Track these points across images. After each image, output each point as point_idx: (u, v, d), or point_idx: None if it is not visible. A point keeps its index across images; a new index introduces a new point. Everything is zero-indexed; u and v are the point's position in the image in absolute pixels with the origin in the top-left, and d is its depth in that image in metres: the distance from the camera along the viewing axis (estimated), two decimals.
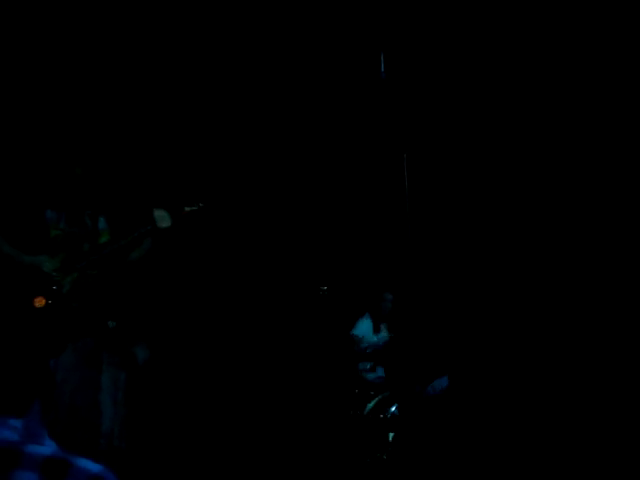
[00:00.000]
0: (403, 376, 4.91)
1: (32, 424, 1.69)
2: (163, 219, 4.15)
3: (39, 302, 3.85)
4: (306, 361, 4.81)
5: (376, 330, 6.01)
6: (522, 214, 5.45)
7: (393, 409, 4.88)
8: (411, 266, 4.77)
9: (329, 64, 5.39)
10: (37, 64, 4.94)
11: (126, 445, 3.06)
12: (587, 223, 5.30)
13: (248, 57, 5.32)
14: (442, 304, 5.32)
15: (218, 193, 4.96)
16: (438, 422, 4.42)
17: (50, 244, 4.08)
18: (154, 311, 4.76)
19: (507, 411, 4.52)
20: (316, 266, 5.60)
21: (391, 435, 4.63)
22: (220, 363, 4.84)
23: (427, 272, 5.00)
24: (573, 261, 5.30)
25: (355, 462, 4.60)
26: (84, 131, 4.77)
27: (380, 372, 5.84)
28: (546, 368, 4.81)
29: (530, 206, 5.46)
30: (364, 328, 6.00)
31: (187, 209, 4.28)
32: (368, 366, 5.90)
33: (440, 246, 5.60)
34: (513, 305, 5.30)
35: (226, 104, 5.42)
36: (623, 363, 4.79)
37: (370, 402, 5.18)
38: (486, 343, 5.22)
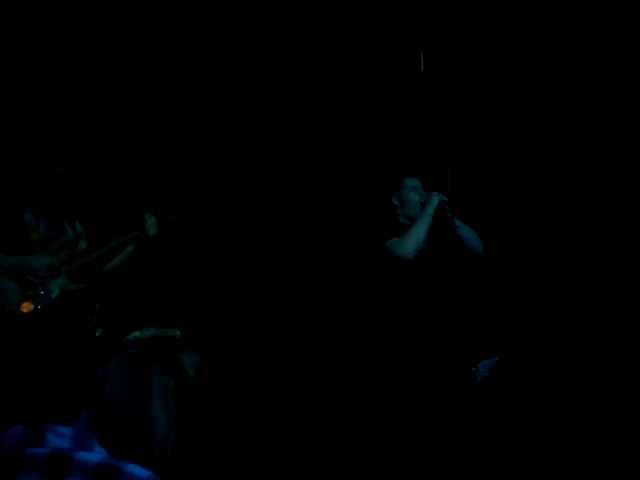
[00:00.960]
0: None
1: (81, 431, 1.70)
2: (152, 226, 4.15)
3: (26, 307, 3.82)
4: (367, 360, 4.77)
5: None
6: (572, 218, 5.36)
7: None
8: (455, 269, 4.71)
9: (368, 63, 5.35)
10: (16, 58, 4.84)
11: (180, 453, 3.07)
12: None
13: (277, 51, 5.25)
14: (492, 303, 5.25)
15: (217, 197, 4.93)
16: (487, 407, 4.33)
17: (32, 248, 4.01)
18: (191, 317, 4.74)
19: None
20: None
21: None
22: (272, 364, 4.82)
23: (471, 275, 4.93)
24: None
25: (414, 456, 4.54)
26: (64, 129, 4.68)
27: None
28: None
29: (581, 206, 5.37)
30: None
31: (171, 217, 4.27)
32: None
33: (485, 249, 5.52)
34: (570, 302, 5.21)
35: (234, 103, 5.34)
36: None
37: None
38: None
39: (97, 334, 3.86)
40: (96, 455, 1.66)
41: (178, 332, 4.20)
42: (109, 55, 5.04)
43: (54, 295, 3.96)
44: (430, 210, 4.37)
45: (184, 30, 5.10)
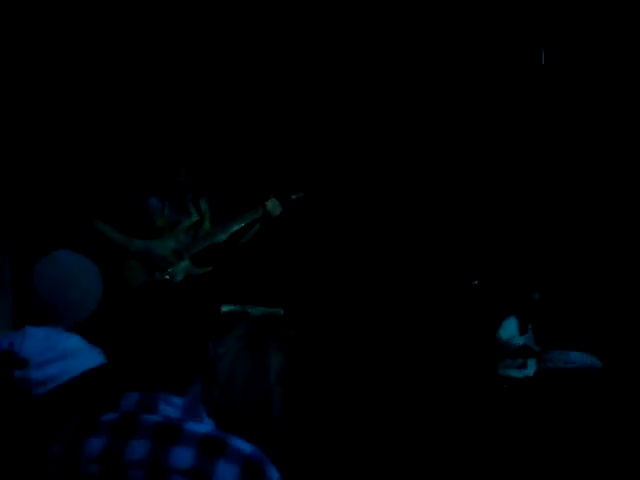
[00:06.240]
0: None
1: (192, 402, 1.78)
2: (275, 207, 4.14)
3: None
4: (449, 360, 4.75)
5: (523, 331, 5.88)
6: None
7: None
8: (560, 265, 4.60)
9: (490, 53, 5.25)
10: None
11: (295, 428, 3.08)
12: None
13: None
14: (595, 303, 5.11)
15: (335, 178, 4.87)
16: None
17: (157, 233, 4.04)
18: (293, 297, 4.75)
19: None
20: (464, 259, 5.49)
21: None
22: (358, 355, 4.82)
23: (578, 272, 4.81)
24: None
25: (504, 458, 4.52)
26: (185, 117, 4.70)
27: (531, 369, 5.71)
28: None
29: None
30: (510, 329, 5.88)
31: (294, 197, 4.23)
32: (518, 362, 5.78)
33: (595, 245, 5.35)
34: None
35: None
36: None
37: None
38: None
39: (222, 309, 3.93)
40: (204, 426, 1.74)
41: (282, 311, 4.25)
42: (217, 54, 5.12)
43: (179, 278, 3.99)
44: None
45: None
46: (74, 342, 2.43)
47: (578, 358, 4.26)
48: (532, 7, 4.98)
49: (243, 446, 1.71)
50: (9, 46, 4.46)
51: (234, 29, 5.01)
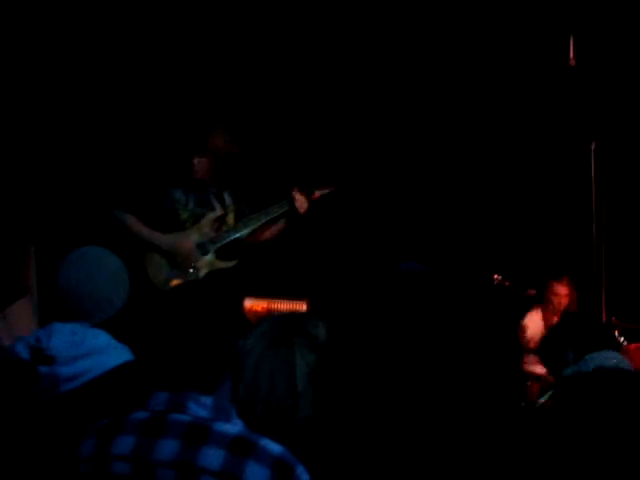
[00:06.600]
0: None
1: (221, 402, 1.77)
2: (301, 202, 4.06)
3: (175, 284, 3.81)
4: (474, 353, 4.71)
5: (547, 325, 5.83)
6: None
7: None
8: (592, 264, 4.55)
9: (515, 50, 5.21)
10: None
11: (322, 428, 3.05)
12: None
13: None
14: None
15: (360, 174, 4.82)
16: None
17: (181, 226, 4.02)
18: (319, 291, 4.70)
19: None
20: (488, 253, 5.44)
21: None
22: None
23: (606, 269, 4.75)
24: None
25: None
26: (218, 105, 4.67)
27: (557, 368, 5.66)
28: None
29: None
30: (533, 323, 5.83)
31: (319, 192, 4.16)
32: (543, 359, 5.73)
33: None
34: None
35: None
36: None
37: (543, 395, 5.05)
38: None
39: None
40: (233, 427, 1.73)
41: (306, 306, 4.21)
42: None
43: (202, 274, 3.97)
44: None
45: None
46: (101, 338, 2.43)
47: (616, 356, 4.18)
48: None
49: (273, 447, 1.70)
50: (39, 46, 4.48)
51: (256, 28, 5.00)
